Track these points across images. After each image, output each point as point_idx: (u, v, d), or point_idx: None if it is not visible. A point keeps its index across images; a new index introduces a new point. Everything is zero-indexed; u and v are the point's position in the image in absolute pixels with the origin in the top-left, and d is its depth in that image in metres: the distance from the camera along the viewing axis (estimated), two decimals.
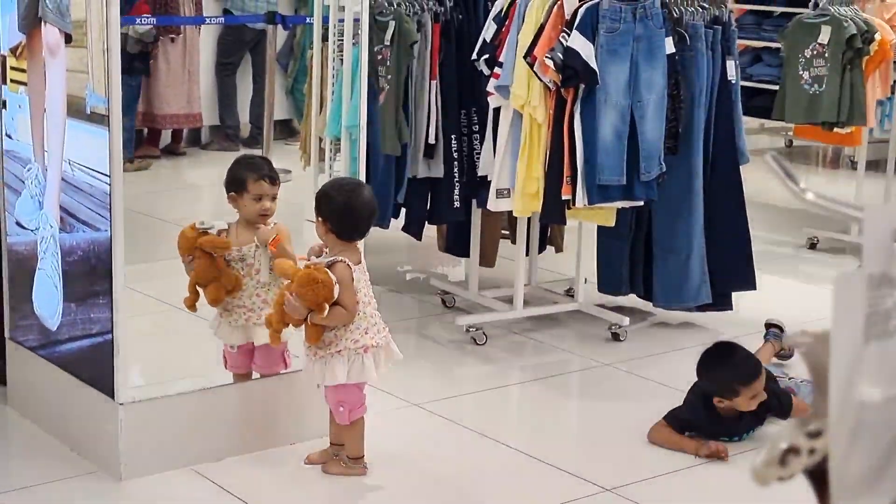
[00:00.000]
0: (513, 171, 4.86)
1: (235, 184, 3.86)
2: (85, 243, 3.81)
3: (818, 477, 1.02)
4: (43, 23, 3.87)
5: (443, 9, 5.27)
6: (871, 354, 0.95)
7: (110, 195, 3.61)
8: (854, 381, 0.95)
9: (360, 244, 3.78)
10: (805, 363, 1.04)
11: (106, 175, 3.62)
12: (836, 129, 6.58)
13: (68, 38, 3.78)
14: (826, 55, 6.41)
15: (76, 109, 3.75)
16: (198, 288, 3.88)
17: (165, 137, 8.77)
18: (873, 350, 0.95)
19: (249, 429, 3.97)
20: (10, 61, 4.15)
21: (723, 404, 4.14)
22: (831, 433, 0.95)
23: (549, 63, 4.63)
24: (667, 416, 4.20)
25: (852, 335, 0.94)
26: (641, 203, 4.93)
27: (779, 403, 4.22)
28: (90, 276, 3.79)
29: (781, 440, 1.02)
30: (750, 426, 4.22)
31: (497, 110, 4.98)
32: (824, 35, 6.41)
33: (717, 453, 4.04)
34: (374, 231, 4.28)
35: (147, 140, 8.62)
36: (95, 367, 3.81)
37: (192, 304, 3.91)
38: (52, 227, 3.97)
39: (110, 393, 3.73)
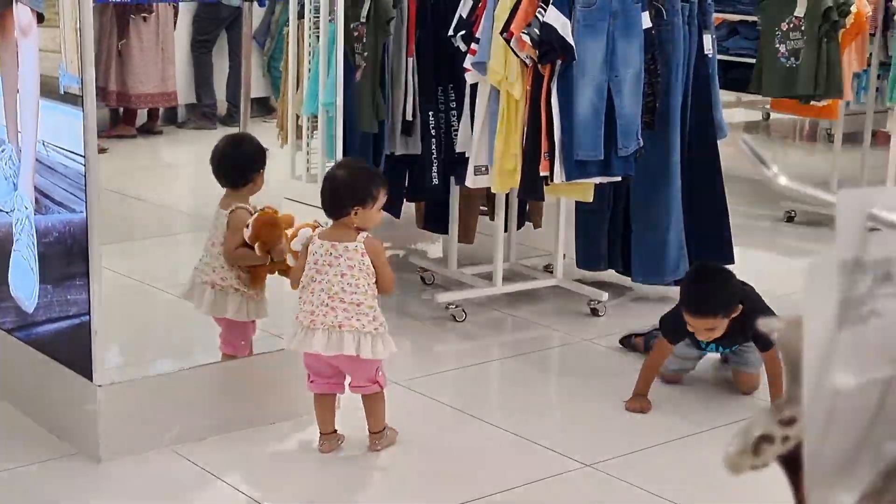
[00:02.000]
0: (490, 147, 4.85)
1: (264, 159, 4.03)
2: (60, 224, 3.78)
3: (792, 464, 1.02)
4: (15, 2, 3.83)
5: None
6: (844, 341, 0.95)
7: (85, 176, 3.58)
8: (828, 367, 0.95)
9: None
10: (778, 349, 1.04)
11: (80, 155, 3.59)
12: (812, 102, 6.59)
13: (41, 18, 3.75)
14: (802, 28, 6.41)
15: (49, 89, 3.72)
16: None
17: (141, 116, 8.72)
18: (847, 336, 0.95)
19: (229, 409, 3.96)
20: None
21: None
22: (805, 420, 0.95)
23: (526, 39, 4.62)
24: (661, 320, 4.37)
25: (825, 322, 0.94)
26: (619, 178, 4.93)
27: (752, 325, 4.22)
28: (66, 257, 3.77)
29: (754, 428, 1.02)
30: (729, 343, 4.34)
31: (474, 87, 4.96)
32: (800, 8, 6.41)
33: (641, 410, 4.25)
34: None
35: (123, 120, 8.56)
36: (73, 349, 3.79)
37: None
38: (27, 208, 3.94)
39: (88, 375, 3.72)
